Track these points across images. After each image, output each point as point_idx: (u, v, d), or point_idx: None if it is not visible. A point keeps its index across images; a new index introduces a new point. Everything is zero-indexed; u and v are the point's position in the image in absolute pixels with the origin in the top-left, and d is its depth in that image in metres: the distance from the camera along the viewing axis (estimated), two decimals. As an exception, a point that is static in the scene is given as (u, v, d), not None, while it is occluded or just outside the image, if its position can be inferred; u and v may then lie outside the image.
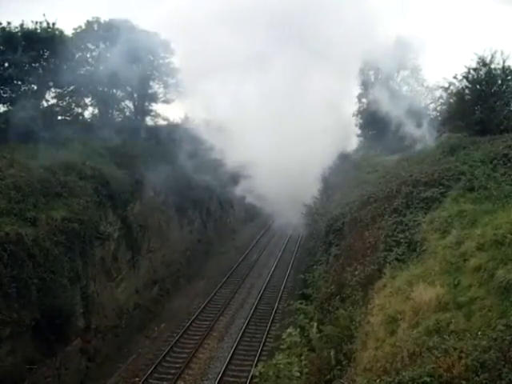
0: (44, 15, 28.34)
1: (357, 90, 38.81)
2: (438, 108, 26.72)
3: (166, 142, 35.68)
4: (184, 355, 22.03)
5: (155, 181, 30.51)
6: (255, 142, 30.82)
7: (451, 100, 24.22)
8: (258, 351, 22.10)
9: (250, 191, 35.45)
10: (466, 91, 23.15)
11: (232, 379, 19.96)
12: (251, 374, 18.14)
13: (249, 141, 30.93)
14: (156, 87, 38.05)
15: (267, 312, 27.18)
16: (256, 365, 18.28)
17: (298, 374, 11.44)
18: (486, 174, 15.14)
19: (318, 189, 31.94)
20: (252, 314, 26.82)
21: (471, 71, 22.69)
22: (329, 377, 10.53)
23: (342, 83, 35.26)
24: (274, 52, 33.08)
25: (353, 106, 39.00)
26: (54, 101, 31.64)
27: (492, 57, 22.36)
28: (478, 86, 22.62)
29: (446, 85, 24.04)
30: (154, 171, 29.95)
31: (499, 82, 22.52)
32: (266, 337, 23.62)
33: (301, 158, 30.82)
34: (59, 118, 31.95)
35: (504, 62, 22.33)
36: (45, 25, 28.26)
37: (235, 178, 36.35)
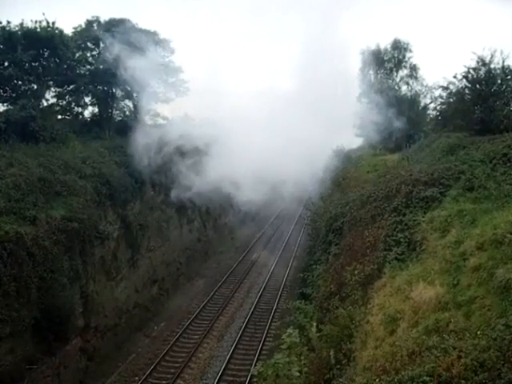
0: (44, 14, 28.36)
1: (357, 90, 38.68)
2: (438, 107, 26.64)
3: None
4: (183, 354, 22.07)
5: (155, 180, 30.46)
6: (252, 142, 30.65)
7: (451, 100, 24.18)
8: (257, 350, 22.15)
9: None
10: (466, 91, 23.13)
11: (231, 378, 20.01)
12: (250, 373, 18.17)
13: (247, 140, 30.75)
14: (155, 86, 37.97)
15: (267, 311, 27.21)
16: (255, 364, 18.31)
17: (298, 374, 11.40)
18: (485, 174, 15.11)
19: (317, 188, 31.87)
20: (252, 313, 26.85)
21: (471, 71, 22.65)
22: (328, 376, 10.52)
23: (343, 83, 35.24)
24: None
25: (353, 106, 38.85)
26: (53, 100, 31.71)
27: (491, 56, 22.34)
28: (477, 86, 22.58)
29: (446, 84, 24.01)
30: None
31: (499, 81, 22.47)
32: (266, 335, 23.66)
33: (300, 156, 30.76)
34: (59, 117, 31.97)
35: (504, 61, 22.29)
36: (44, 24, 28.23)
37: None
